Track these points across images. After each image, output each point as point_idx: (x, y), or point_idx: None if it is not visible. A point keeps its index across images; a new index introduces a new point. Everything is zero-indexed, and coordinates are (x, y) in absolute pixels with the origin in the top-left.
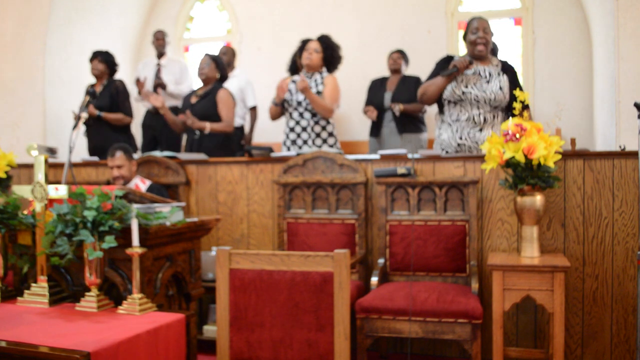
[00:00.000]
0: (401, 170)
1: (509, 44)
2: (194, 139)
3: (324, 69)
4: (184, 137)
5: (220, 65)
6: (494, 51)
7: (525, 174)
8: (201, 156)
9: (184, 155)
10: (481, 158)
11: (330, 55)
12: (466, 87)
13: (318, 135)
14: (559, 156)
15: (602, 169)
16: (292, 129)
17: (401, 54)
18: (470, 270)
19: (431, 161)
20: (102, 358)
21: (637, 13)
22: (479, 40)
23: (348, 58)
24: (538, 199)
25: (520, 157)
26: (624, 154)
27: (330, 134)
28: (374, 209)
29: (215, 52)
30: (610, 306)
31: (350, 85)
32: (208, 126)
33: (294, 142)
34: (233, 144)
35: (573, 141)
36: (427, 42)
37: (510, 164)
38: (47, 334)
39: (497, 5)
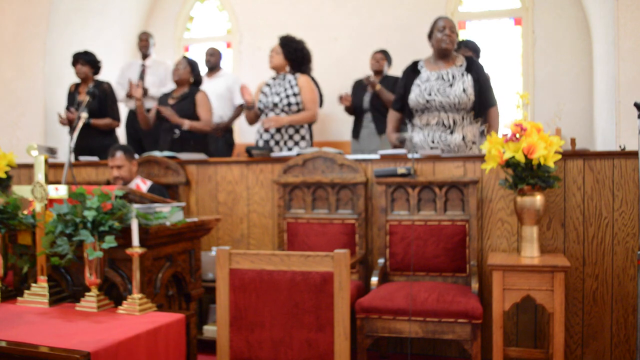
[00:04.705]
0: (401, 170)
1: (509, 44)
2: (173, 139)
3: (289, 68)
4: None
5: (195, 71)
6: (476, 53)
7: (525, 174)
8: (201, 156)
9: (184, 155)
10: (481, 158)
11: (288, 52)
12: (429, 94)
13: (291, 137)
14: (559, 156)
15: (602, 169)
16: (266, 130)
17: (384, 55)
18: (470, 270)
19: (431, 161)
20: (102, 358)
21: (637, 13)
22: (445, 39)
23: (348, 58)
24: (538, 199)
25: (520, 157)
26: (624, 154)
27: (303, 137)
28: (374, 209)
29: (193, 57)
30: (610, 306)
31: (349, 86)
32: (187, 123)
33: (266, 142)
34: (210, 145)
35: (573, 141)
36: (427, 42)
37: (510, 164)
38: (47, 334)
39: (497, 5)
